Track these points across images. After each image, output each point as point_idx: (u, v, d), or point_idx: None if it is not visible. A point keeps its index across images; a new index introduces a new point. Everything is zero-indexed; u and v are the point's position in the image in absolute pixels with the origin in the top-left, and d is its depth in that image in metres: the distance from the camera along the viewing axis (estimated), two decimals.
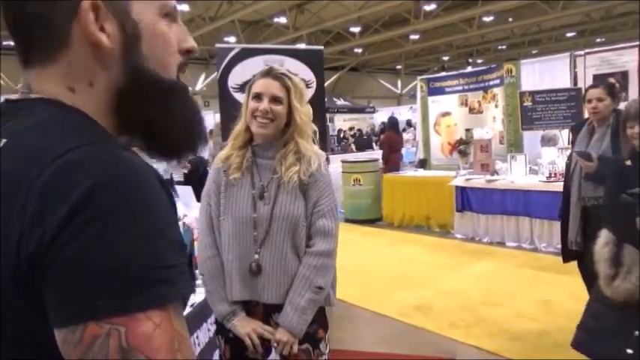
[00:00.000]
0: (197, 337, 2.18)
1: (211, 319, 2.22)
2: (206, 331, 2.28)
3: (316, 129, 1.83)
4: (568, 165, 3.44)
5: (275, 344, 1.68)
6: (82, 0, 0.61)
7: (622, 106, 3.51)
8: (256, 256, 1.71)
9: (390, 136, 8.99)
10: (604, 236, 2.26)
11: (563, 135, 6.14)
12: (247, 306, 1.75)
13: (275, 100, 1.70)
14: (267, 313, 1.75)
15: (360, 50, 22.30)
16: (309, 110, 1.80)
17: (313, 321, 1.72)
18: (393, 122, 9.53)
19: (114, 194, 0.53)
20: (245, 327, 1.69)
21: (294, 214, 1.70)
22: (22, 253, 0.52)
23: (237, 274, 1.71)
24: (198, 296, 2.16)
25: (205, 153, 5.58)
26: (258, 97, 1.71)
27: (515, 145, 6.97)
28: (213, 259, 1.75)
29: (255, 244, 1.71)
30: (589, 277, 3.24)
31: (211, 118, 11.46)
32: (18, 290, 0.53)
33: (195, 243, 2.16)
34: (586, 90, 3.52)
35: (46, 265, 0.51)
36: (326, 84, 4.41)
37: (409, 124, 15.14)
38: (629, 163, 2.22)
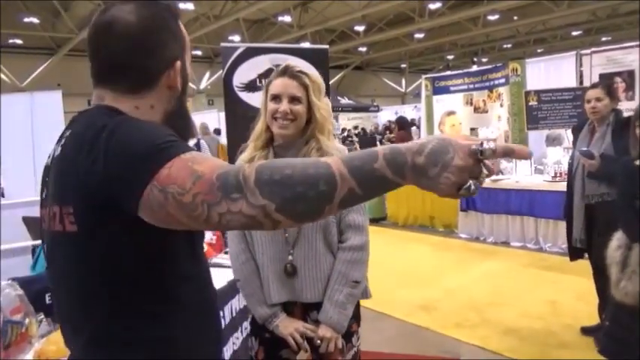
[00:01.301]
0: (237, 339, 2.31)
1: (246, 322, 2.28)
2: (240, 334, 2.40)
3: (336, 123, 1.80)
4: (570, 164, 3.46)
5: (318, 341, 1.68)
6: (175, 61, 1.02)
7: (623, 105, 3.51)
8: (290, 258, 1.71)
9: (403, 135, 8.91)
10: (617, 239, 2.24)
11: (569, 134, 6.11)
12: (285, 306, 1.75)
13: (294, 99, 1.68)
14: (305, 311, 1.76)
15: (364, 49, 22.24)
16: (328, 104, 1.77)
17: None
18: (403, 122, 9.43)
19: (122, 130, 0.89)
20: (288, 327, 1.70)
21: None
22: (97, 182, 0.88)
23: (274, 277, 1.72)
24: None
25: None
26: (276, 98, 1.69)
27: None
28: (248, 263, 1.76)
29: (288, 245, 1.71)
30: (597, 273, 3.25)
31: (216, 117, 11.50)
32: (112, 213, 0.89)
33: None
34: (585, 90, 3.53)
35: (105, 180, 0.87)
36: (330, 82, 4.38)
37: (413, 123, 15.11)
38: (638, 163, 2.21)
